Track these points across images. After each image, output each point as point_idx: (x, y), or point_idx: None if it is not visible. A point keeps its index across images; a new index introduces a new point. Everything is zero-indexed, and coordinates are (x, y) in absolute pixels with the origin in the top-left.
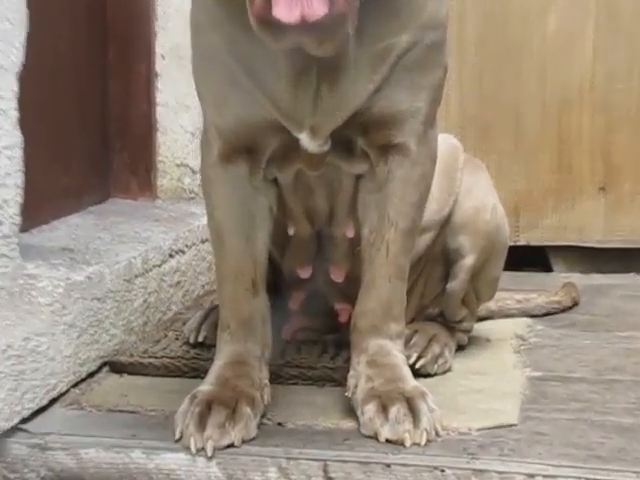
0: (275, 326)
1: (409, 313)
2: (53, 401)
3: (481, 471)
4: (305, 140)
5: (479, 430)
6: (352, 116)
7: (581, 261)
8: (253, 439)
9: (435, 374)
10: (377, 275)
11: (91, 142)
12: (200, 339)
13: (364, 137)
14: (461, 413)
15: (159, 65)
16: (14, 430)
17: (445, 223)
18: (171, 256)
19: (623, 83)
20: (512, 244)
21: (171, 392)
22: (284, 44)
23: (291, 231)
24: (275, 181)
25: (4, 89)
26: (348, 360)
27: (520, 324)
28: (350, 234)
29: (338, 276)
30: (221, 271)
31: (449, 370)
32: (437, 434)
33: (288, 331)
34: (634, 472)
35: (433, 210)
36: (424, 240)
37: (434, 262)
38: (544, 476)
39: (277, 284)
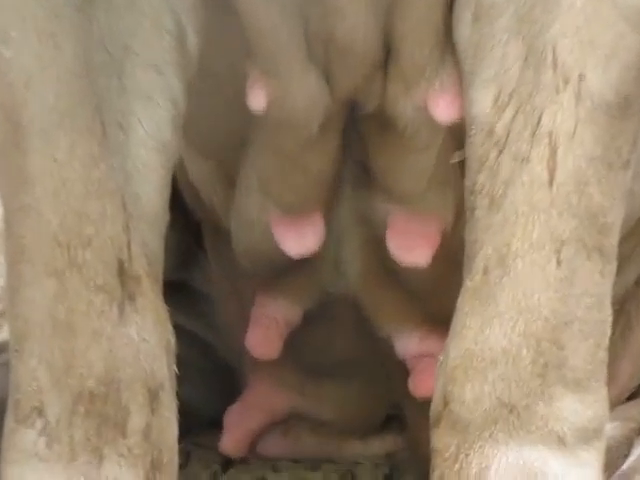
0: (196, 411)
1: (624, 367)
2: None
3: None
4: None
5: None
6: None
7: None
8: None
9: None
10: (517, 239)
11: None
12: None
13: None
14: None
15: None
16: None
17: None
18: None
19: None
20: None
21: None
22: None
23: (258, 101)
24: None
25: None
26: None
27: None
28: (444, 112)
29: (409, 249)
30: (20, 240)
31: None
32: None
33: (240, 430)
34: None
35: None
36: None
37: None
38: None
39: (201, 278)
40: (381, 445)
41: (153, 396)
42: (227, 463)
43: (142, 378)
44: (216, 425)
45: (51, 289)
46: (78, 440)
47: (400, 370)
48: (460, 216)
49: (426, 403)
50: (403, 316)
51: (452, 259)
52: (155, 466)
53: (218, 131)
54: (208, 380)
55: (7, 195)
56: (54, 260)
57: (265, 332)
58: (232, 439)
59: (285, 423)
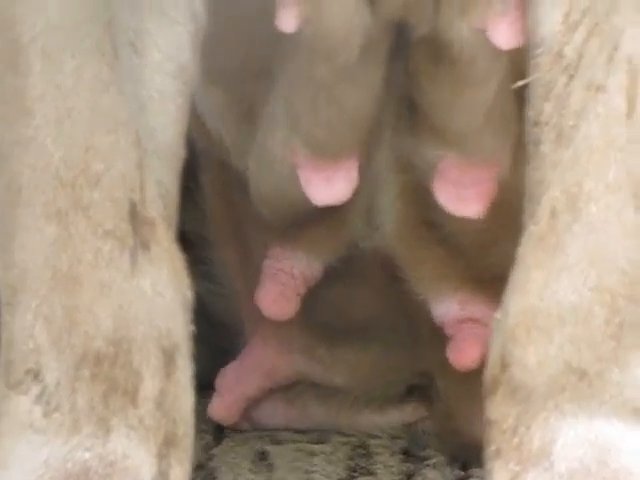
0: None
1: None
2: None
3: None
4: None
5: None
6: None
7: None
8: None
9: None
10: (590, 179)
11: None
12: None
13: None
14: None
15: None
16: None
17: None
18: None
19: None
20: None
21: None
22: None
23: (288, 20)
24: None
25: None
26: None
27: None
28: (504, 36)
29: (462, 200)
30: (17, 178)
31: None
32: None
33: (234, 394)
34: None
35: None
36: None
37: None
38: None
39: (196, 219)
40: (399, 415)
41: (168, 359)
42: (220, 434)
43: (156, 338)
44: (206, 390)
45: (52, 234)
46: (81, 409)
47: (435, 336)
48: (519, 160)
49: (463, 373)
50: (443, 276)
51: (506, 209)
52: (169, 440)
53: (235, 55)
54: (197, 338)
55: (2, 126)
56: (56, 201)
57: (281, 290)
58: (224, 404)
59: (289, 390)
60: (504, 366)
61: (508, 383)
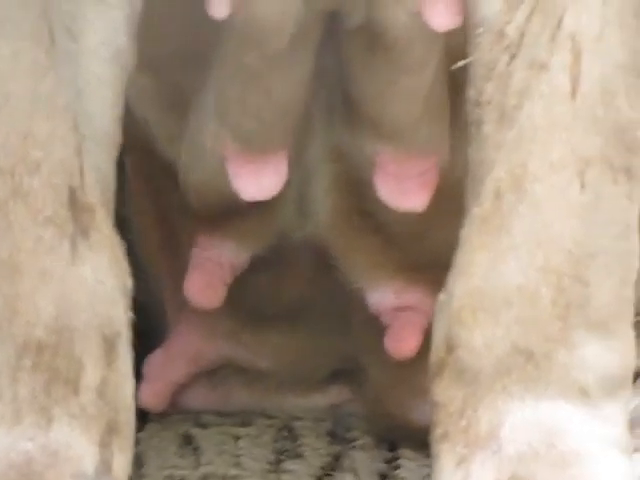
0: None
1: None
2: None
3: None
4: None
5: None
6: None
7: None
8: None
9: None
10: (535, 159)
11: None
12: None
13: None
14: None
15: None
16: None
17: None
18: None
19: None
20: None
21: None
22: None
23: (221, 6)
24: None
25: None
26: None
27: None
28: (441, 17)
29: (404, 193)
30: None
31: None
32: None
33: (162, 381)
34: None
35: None
36: None
37: None
38: None
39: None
40: (323, 399)
41: (109, 346)
42: (144, 417)
43: (97, 326)
44: None
45: None
46: (23, 398)
47: (366, 324)
48: (457, 149)
49: (396, 360)
50: (378, 264)
51: (441, 195)
52: (111, 428)
53: (168, 41)
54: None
55: None
56: None
57: (208, 279)
58: (152, 391)
59: (213, 374)
60: (450, 348)
61: (454, 365)
